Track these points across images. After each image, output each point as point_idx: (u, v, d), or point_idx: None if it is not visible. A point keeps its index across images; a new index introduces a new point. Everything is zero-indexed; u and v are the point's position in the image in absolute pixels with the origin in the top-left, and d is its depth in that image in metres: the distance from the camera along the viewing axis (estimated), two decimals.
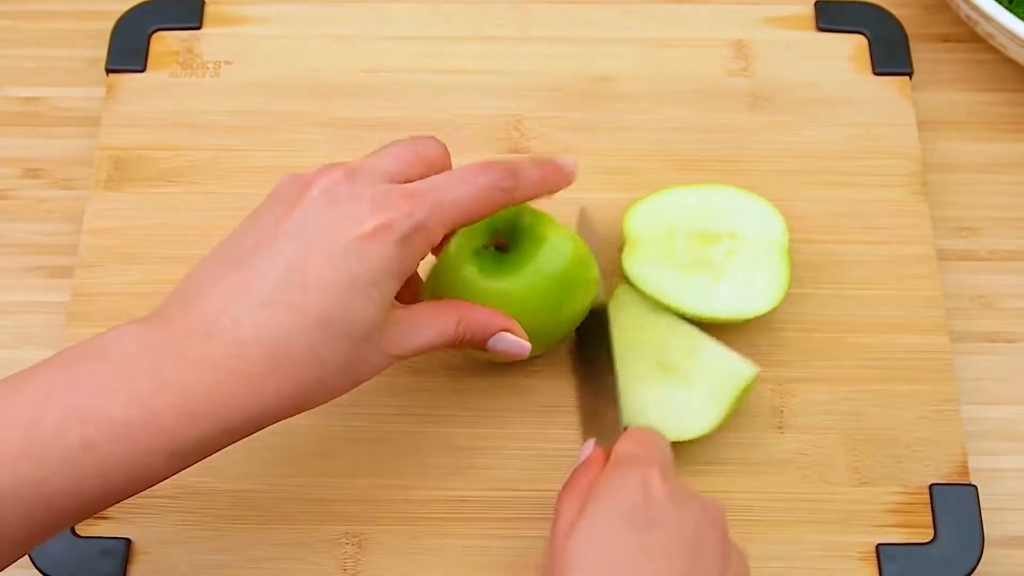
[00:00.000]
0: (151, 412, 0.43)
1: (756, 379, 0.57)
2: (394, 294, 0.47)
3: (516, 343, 0.52)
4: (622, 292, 0.60)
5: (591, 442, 0.52)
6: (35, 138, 0.69)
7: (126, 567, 0.56)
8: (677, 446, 0.56)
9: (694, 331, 0.59)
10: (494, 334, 0.52)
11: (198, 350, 0.44)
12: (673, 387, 0.58)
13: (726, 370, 0.57)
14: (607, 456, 0.50)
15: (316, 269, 0.45)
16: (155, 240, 0.64)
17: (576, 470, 0.50)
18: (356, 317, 0.46)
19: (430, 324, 0.50)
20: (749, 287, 0.59)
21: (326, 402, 0.48)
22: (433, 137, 0.51)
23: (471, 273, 0.53)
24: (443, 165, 0.50)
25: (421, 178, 0.49)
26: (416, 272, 0.55)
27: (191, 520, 0.57)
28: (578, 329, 0.57)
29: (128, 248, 0.63)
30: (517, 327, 0.52)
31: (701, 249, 0.60)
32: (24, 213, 0.67)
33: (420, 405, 0.60)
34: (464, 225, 0.50)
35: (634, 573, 0.44)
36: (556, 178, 0.52)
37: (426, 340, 0.50)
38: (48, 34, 0.72)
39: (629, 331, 0.59)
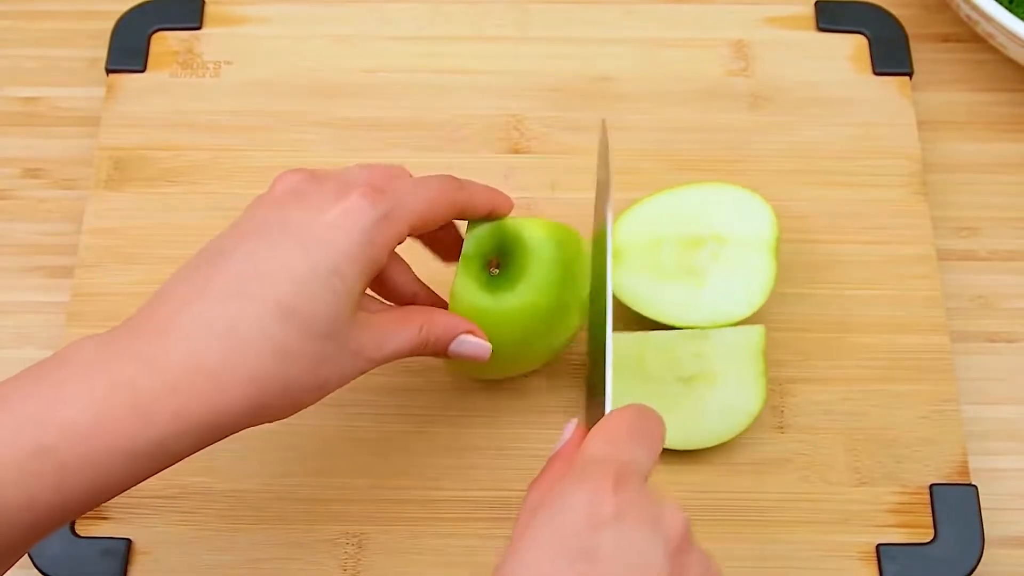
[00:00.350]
0: (105, 412, 0.41)
1: (765, 335, 0.58)
2: (360, 289, 0.46)
3: (477, 344, 0.52)
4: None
5: (572, 423, 0.48)
6: (35, 138, 0.69)
7: (126, 567, 0.56)
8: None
9: (687, 333, 0.59)
10: (455, 336, 0.51)
11: (154, 348, 0.43)
12: (704, 392, 0.58)
13: (738, 346, 0.58)
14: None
15: (277, 259, 0.44)
16: (155, 240, 0.64)
17: (550, 459, 0.47)
18: (319, 309, 0.44)
19: (396, 330, 0.49)
20: (732, 291, 0.59)
21: (294, 411, 0.46)
22: (398, 165, 0.51)
23: (469, 296, 0.53)
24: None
25: None
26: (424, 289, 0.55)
27: (191, 520, 0.57)
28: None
29: (128, 248, 0.63)
30: (478, 331, 0.52)
31: (686, 255, 0.60)
32: (24, 213, 0.67)
33: (420, 405, 0.60)
34: (423, 225, 0.49)
35: None
36: (500, 199, 0.53)
37: (394, 346, 0.49)
38: (48, 34, 0.72)
39: (631, 365, 0.59)
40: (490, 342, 0.52)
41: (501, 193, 0.53)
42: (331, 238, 0.45)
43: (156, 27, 0.69)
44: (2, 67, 0.71)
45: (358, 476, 0.58)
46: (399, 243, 0.48)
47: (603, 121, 0.56)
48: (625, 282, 0.60)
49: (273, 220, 0.46)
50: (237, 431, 0.45)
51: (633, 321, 0.60)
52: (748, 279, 0.59)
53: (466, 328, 0.52)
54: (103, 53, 0.69)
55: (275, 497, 0.58)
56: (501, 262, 0.54)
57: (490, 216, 0.53)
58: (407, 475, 0.58)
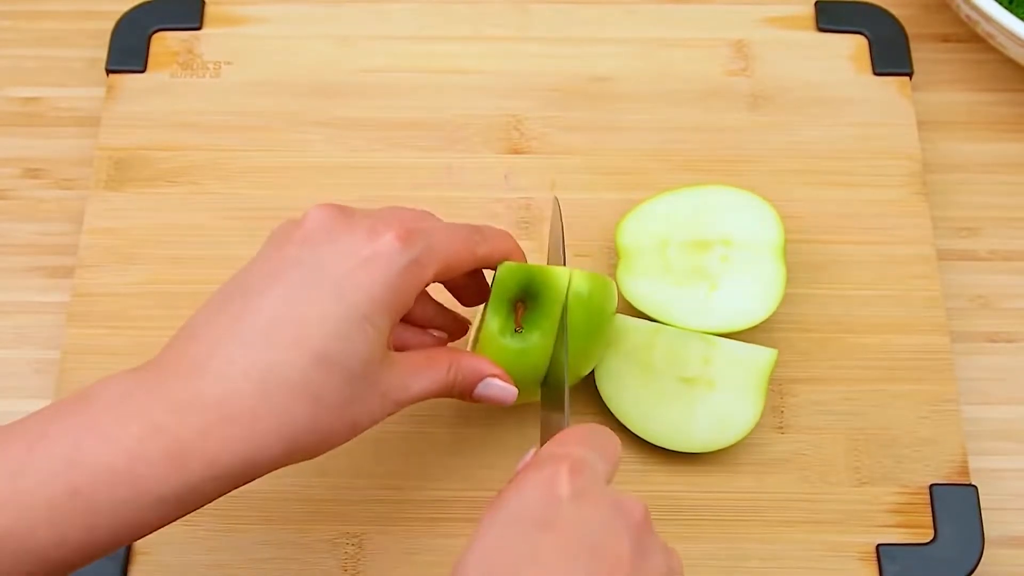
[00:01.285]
0: (139, 456, 0.41)
1: (776, 360, 0.58)
2: (390, 331, 0.47)
3: (503, 388, 0.52)
4: (617, 319, 0.59)
5: (532, 450, 0.47)
6: (35, 138, 0.69)
7: (126, 567, 0.56)
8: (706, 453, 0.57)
9: (700, 336, 0.59)
10: (483, 379, 0.51)
11: (188, 392, 0.43)
12: (703, 397, 0.58)
13: (747, 362, 0.58)
14: None
15: (311, 303, 0.44)
16: (155, 240, 0.64)
17: (507, 484, 0.46)
18: (352, 352, 0.44)
19: (423, 371, 0.49)
20: (746, 295, 0.59)
21: (323, 452, 0.46)
22: (427, 211, 0.51)
23: (495, 338, 0.53)
24: None
25: None
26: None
27: (191, 520, 0.57)
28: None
29: (128, 248, 0.63)
30: (505, 375, 0.52)
31: (695, 257, 0.59)
32: (24, 213, 0.67)
33: (420, 405, 0.59)
34: (447, 271, 0.49)
35: None
36: (510, 243, 0.53)
37: (422, 387, 0.49)
38: (48, 34, 0.72)
39: (639, 353, 0.59)
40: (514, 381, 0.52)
41: (513, 241, 0.54)
42: (363, 283, 0.45)
43: (156, 27, 0.69)
44: (2, 67, 0.71)
45: (358, 476, 0.58)
46: (426, 286, 0.49)
47: (555, 198, 0.58)
48: (636, 286, 0.59)
49: (305, 260, 0.46)
50: (267, 473, 0.45)
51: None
52: (759, 284, 0.59)
53: (492, 372, 0.52)
54: (103, 53, 0.69)
55: (275, 497, 0.58)
56: (527, 306, 0.53)
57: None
58: (407, 475, 0.58)
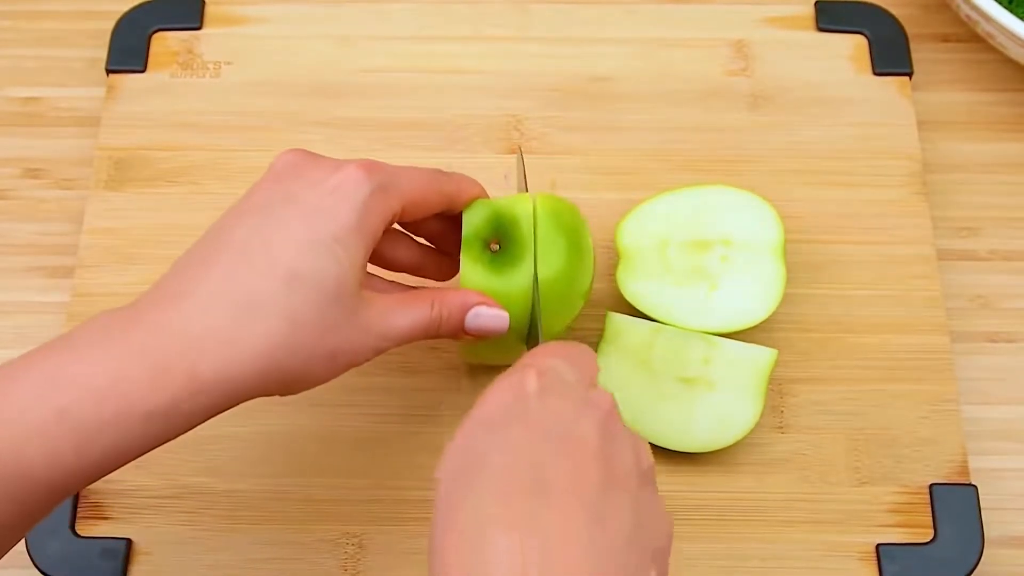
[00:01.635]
0: (122, 375, 0.43)
1: (776, 360, 0.58)
2: (362, 258, 0.47)
3: (494, 316, 0.52)
4: (617, 319, 0.59)
5: None
6: (35, 138, 0.69)
7: (126, 567, 0.56)
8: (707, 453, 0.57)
9: (700, 336, 0.59)
10: (470, 309, 0.52)
11: (167, 317, 0.44)
12: (702, 397, 0.58)
13: (747, 362, 0.58)
14: None
15: (280, 228, 0.46)
16: (155, 240, 0.64)
17: None
18: (324, 274, 0.46)
19: (405, 308, 0.50)
20: (746, 295, 0.59)
21: (305, 384, 0.47)
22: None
23: (478, 279, 0.53)
24: None
25: None
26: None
27: (191, 520, 0.58)
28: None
29: (128, 248, 0.63)
30: (491, 300, 0.52)
31: (695, 258, 0.59)
32: (24, 213, 0.67)
33: (420, 405, 0.60)
34: (414, 208, 0.50)
35: (478, 475, 0.41)
36: (477, 188, 0.54)
37: (405, 323, 0.49)
38: (48, 34, 0.72)
39: (638, 353, 0.59)
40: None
41: (480, 186, 0.54)
42: (330, 206, 0.47)
43: (156, 27, 0.69)
44: (2, 67, 0.71)
45: (358, 476, 0.58)
46: (394, 218, 0.50)
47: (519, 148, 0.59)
48: (636, 286, 0.59)
49: (275, 194, 0.47)
50: (250, 398, 0.46)
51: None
52: (760, 283, 0.59)
53: (479, 300, 0.52)
54: (103, 53, 0.69)
55: (275, 497, 0.58)
56: (501, 241, 0.54)
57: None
58: (407, 475, 0.58)
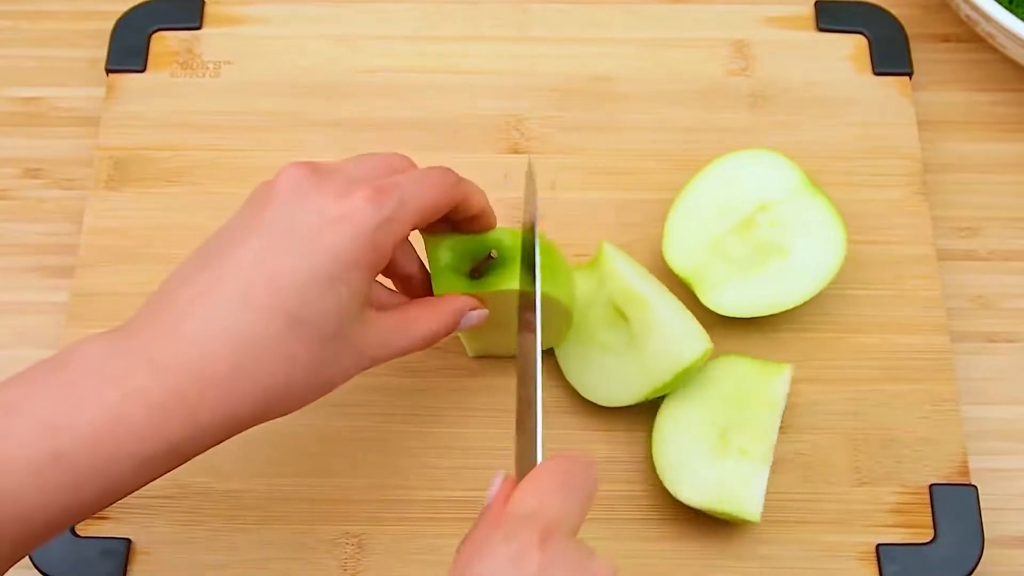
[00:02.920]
0: (119, 418, 0.42)
1: (708, 354, 0.56)
2: (365, 290, 0.47)
3: (481, 316, 0.52)
4: (609, 250, 0.59)
5: (498, 477, 0.46)
6: (35, 138, 0.69)
7: (126, 567, 0.56)
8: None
9: (665, 300, 0.57)
10: (463, 315, 0.52)
11: (166, 354, 0.43)
12: (616, 350, 0.57)
13: (670, 347, 0.56)
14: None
15: (283, 265, 0.45)
16: (155, 240, 0.64)
17: (480, 515, 0.45)
18: (325, 313, 0.45)
19: (404, 329, 0.49)
20: (816, 240, 0.59)
21: (297, 407, 0.46)
22: (401, 154, 0.51)
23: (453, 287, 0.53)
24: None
25: None
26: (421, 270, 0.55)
27: (191, 520, 0.58)
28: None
29: (128, 248, 0.63)
30: (477, 303, 0.52)
31: (751, 236, 0.59)
32: (24, 213, 0.67)
33: (420, 405, 0.60)
34: (424, 221, 0.49)
35: None
36: (480, 195, 0.53)
37: (404, 345, 0.49)
38: (48, 34, 0.72)
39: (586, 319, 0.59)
40: (492, 320, 0.53)
41: (484, 194, 0.53)
42: (330, 243, 0.45)
43: (156, 27, 0.69)
44: (2, 67, 0.71)
45: (358, 476, 0.58)
46: (403, 239, 0.49)
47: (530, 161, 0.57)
48: (726, 296, 0.59)
49: (278, 222, 0.46)
50: (244, 430, 0.45)
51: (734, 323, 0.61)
52: (817, 219, 0.59)
53: (471, 306, 0.52)
54: (103, 53, 0.69)
55: (275, 497, 0.58)
56: (482, 269, 0.53)
57: (477, 221, 0.53)
58: (407, 475, 0.58)
